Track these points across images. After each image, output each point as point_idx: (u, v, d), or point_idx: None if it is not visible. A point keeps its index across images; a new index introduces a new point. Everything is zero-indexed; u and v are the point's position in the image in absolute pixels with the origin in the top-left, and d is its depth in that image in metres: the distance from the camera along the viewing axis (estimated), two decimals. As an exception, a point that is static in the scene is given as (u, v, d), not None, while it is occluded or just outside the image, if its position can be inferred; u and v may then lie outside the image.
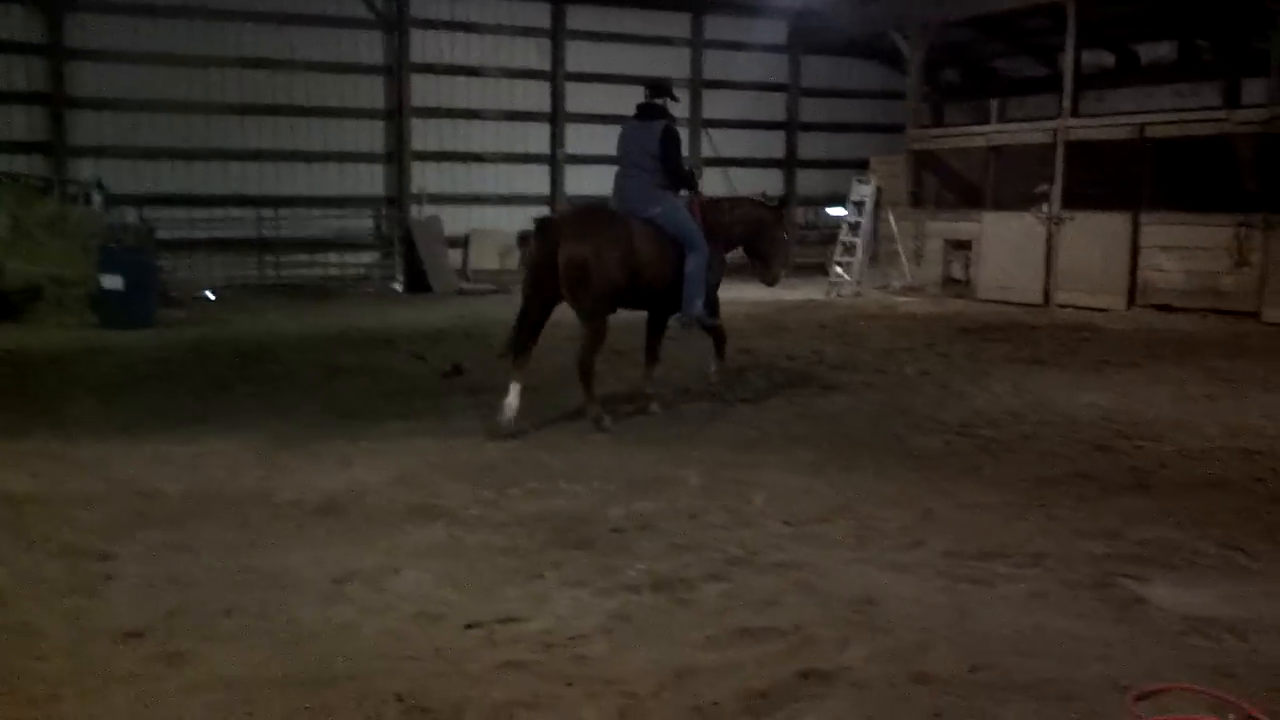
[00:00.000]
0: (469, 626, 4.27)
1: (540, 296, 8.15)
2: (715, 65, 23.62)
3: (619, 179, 8.81)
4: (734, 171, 23.65)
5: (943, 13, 20.27)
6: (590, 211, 9.19)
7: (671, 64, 23.21)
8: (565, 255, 7.93)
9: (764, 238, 9.26)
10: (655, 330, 8.98)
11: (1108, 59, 21.79)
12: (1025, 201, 18.15)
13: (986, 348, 12.32)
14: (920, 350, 12.07)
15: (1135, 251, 16.24)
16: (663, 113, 8.77)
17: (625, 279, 8.15)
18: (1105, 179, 17.07)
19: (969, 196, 20.08)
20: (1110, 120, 17.94)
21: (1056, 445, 7.57)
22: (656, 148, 8.51)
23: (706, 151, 23.56)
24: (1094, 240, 16.79)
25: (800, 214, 24.83)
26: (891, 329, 14.13)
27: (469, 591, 4.66)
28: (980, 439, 7.76)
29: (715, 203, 9.19)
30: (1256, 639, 4.18)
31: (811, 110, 24.73)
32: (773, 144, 24.67)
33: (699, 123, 23.49)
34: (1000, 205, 18.84)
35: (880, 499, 6.14)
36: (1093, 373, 10.56)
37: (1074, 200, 17.31)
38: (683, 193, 8.82)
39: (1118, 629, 4.31)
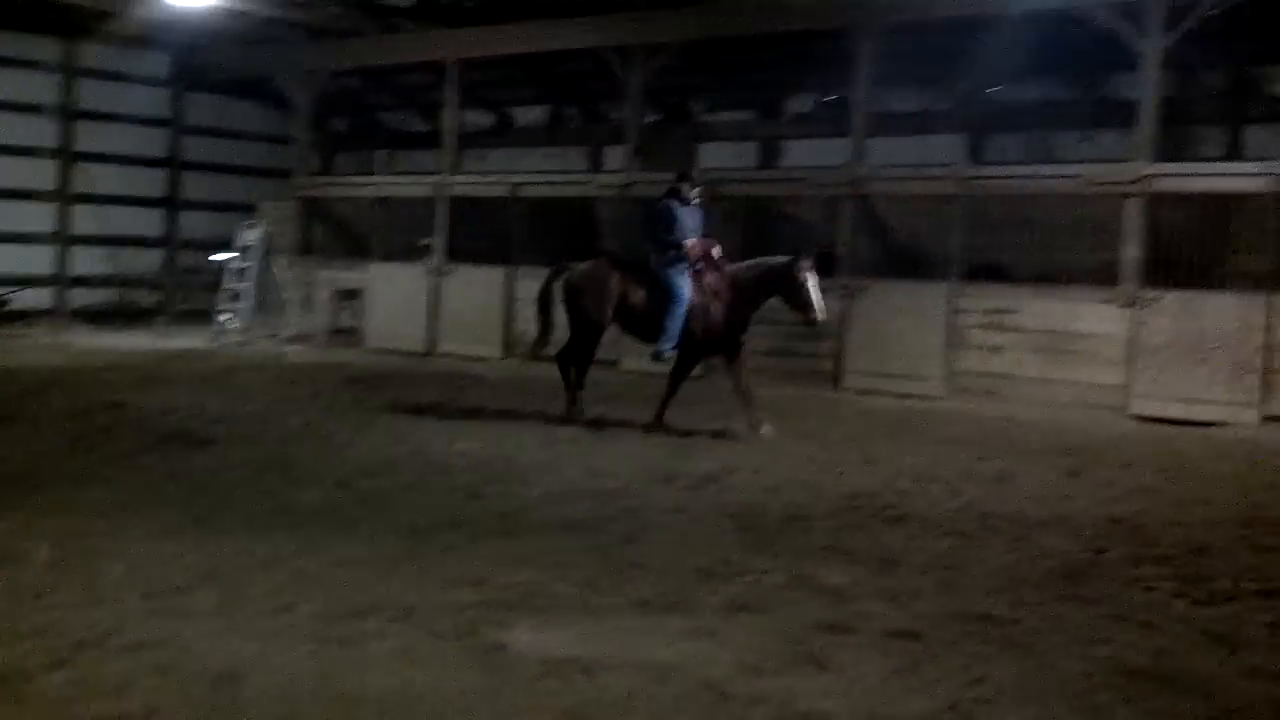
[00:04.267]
0: None
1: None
2: (91, 95, 21.89)
3: None
4: (113, 210, 22.16)
5: (330, 62, 20.39)
6: (592, 263, 11.15)
7: (39, 90, 21.28)
8: (561, 292, 11.10)
9: (785, 287, 10.51)
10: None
11: (487, 119, 23.06)
12: (411, 253, 18.66)
13: (371, 397, 12.42)
14: (305, 401, 11.93)
15: (511, 302, 17.22)
16: (671, 192, 10.73)
17: (608, 311, 10.81)
18: (486, 233, 18.01)
19: (358, 246, 20.23)
20: (487, 178, 18.99)
21: (432, 495, 7.76)
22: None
23: (81, 188, 21.82)
24: (474, 292, 17.62)
25: (182, 258, 23.68)
26: (278, 379, 13.85)
27: None
28: (359, 491, 7.76)
29: (736, 269, 10.71)
30: (604, 676, 4.47)
31: (197, 149, 23.67)
32: (154, 182, 23.30)
33: (70, 156, 21.71)
34: (389, 256, 19.19)
35: (251, 562, 5.92)
36: (469, 420, 11.00)
37: (458, 253, 18.08)
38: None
39: (479, 679, 4.43)
